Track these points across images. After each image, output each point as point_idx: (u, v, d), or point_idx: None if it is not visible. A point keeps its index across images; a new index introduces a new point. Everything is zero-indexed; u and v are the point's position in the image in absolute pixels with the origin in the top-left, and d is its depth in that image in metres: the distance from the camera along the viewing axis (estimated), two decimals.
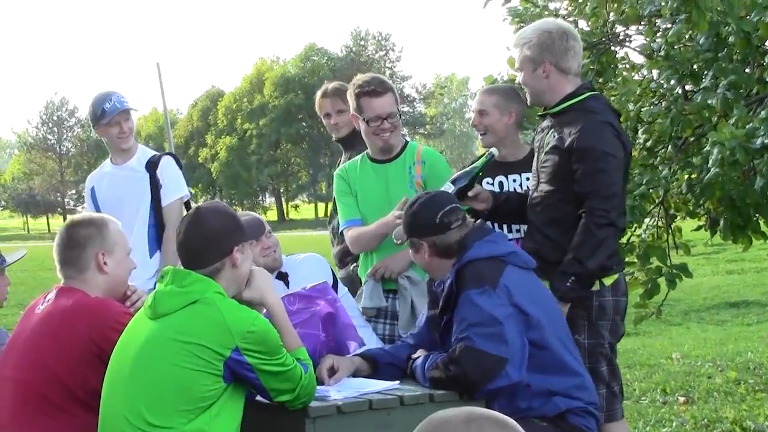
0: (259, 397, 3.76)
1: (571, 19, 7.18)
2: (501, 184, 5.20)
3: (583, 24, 7.12)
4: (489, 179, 5.19)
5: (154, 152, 6.02)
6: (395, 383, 4.01)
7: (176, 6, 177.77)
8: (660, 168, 6.51)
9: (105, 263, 4.01)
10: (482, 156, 4.95)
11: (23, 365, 3.89)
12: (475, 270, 4.00)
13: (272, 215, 77.20)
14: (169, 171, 5.94)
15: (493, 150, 4.92)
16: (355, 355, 4.28)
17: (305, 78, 74.37)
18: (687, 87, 6.60)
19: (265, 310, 3.84)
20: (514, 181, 5.20)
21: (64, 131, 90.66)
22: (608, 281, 4.53)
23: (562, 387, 3.98)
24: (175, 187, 5.97)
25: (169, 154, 6.08)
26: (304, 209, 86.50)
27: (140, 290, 4.15)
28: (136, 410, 3.51)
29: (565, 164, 4.51)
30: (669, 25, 5.85)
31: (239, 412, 3.65)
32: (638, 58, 7.33)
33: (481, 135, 5.25)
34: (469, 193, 4.78)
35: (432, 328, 4.30)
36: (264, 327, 3.61)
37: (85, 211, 5.91)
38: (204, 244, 3.69)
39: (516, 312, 3.92)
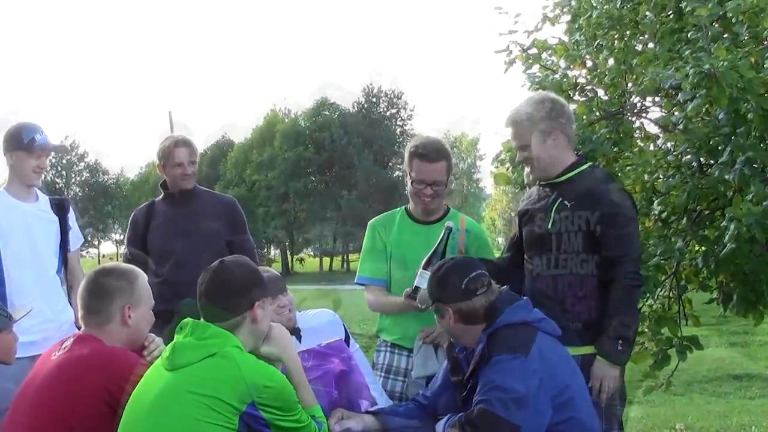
0: None
1: (589, 87, 7.25)
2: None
3: (601, 93, 7.18)
4: None
5: (48, 195, 5.89)
6: None
7: (190, 54, 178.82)
8: (674, 239, 6.52)
9: (129, 316, 4.01)
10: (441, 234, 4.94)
11: (35, 412, 3.87)
12: (508, 335, 4.02)
13: (277, 267, 77.08)
14: (74, 217, 5.92)
15: (449, 224, 4.97)
16: (367, 412, 4.28)
17: (316, 132, 74.63)
18: (702, 160, 6.63)
19: (281, 366, 3.85)
20: None
21: (73, 175, 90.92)
22: None
23: None
24: (79, 234, 5.98)
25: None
26: (309, 263, 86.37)
27: (158, 339, 4.13)
28: None
29: (584, 230, 4.57)
30: (688, 99, 5.88)
31: None
32: (653, 129, 7.39)
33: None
34: None
35: (450, 391, 4.30)
36: (281, 383, 3.63)
37: None
38: (226, 297, 3.72)
39: (544, 380, 3.93)
